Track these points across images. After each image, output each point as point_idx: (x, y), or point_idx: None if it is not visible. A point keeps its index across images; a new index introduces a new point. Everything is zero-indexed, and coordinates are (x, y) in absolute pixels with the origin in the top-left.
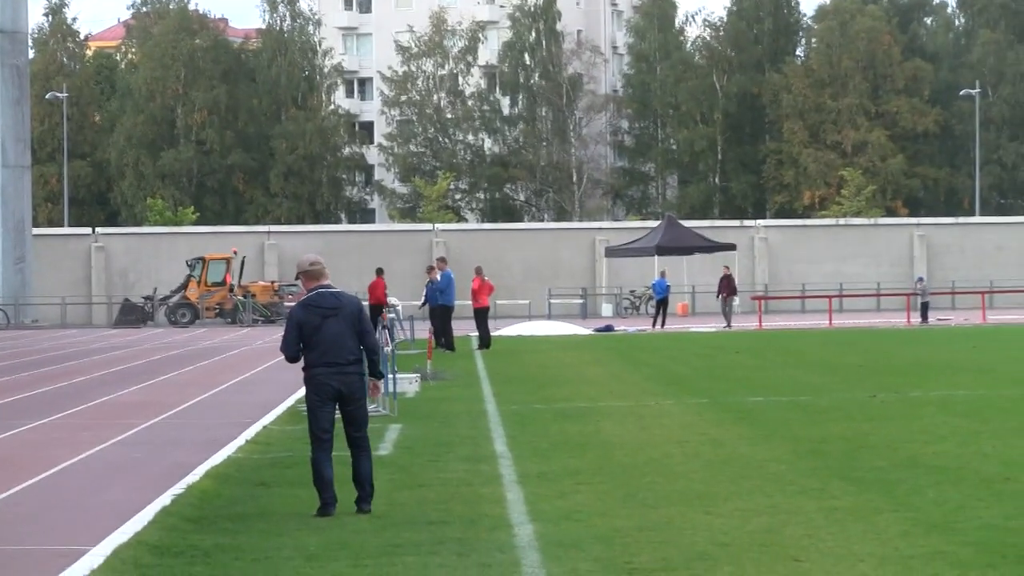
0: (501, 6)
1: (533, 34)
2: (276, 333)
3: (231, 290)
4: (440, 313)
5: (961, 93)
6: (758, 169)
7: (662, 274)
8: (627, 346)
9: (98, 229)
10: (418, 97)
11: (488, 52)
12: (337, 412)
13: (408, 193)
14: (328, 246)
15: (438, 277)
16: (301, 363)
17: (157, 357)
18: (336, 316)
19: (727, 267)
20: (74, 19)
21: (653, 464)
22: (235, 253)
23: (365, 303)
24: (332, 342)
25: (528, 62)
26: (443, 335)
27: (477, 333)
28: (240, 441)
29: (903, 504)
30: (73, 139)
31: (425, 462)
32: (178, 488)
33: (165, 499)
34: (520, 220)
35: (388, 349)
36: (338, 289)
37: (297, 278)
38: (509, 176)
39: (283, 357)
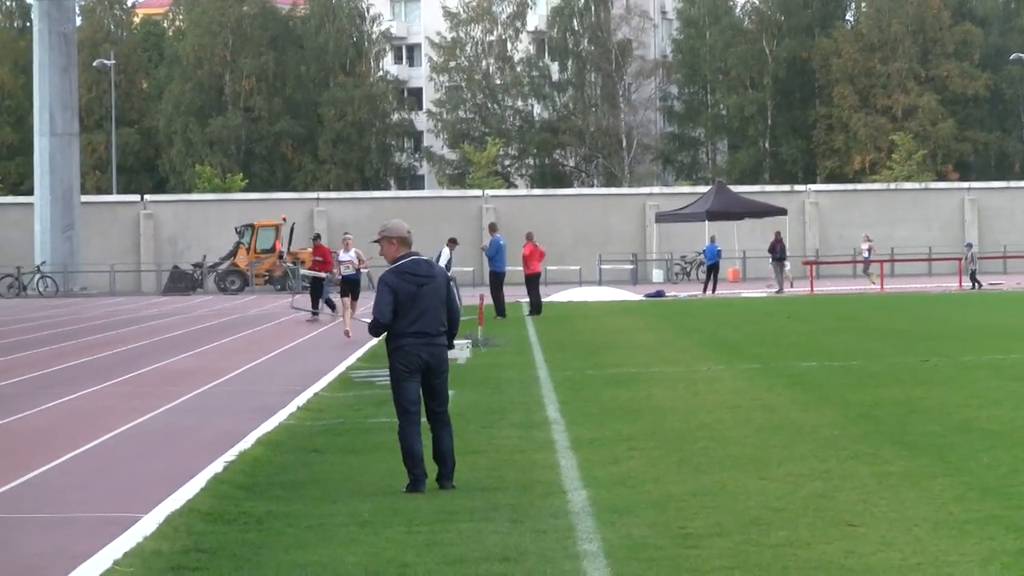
0: None
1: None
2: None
3: (280, 257)
4: (491, 280)
5: (1011, 57)
6: (808, 134)
7: (712, 239)
8: (678, 312)
9: (146, 196)
10: (466, 63)
11: (537, 18)
12: None
13: (457, 159)
14: (377, 213)
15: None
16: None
17: (206, 324)
18: (430, 284)
19: (778, 232)
20: None
21: (705, 429)
22: (284, 220)
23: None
24: (425, 311)
25: (577, 27)
26: (495, 301)
27: (528, 299)
28: (291, 408)
29: (957, 468)
30: (121, 106)
31: (477, 429)
32: (230, 455)
33: (217, 466)
34: (570, 186)
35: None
36: (428, 258)
37: (376, 241)
38: (558, 142)
39: (369, 325)
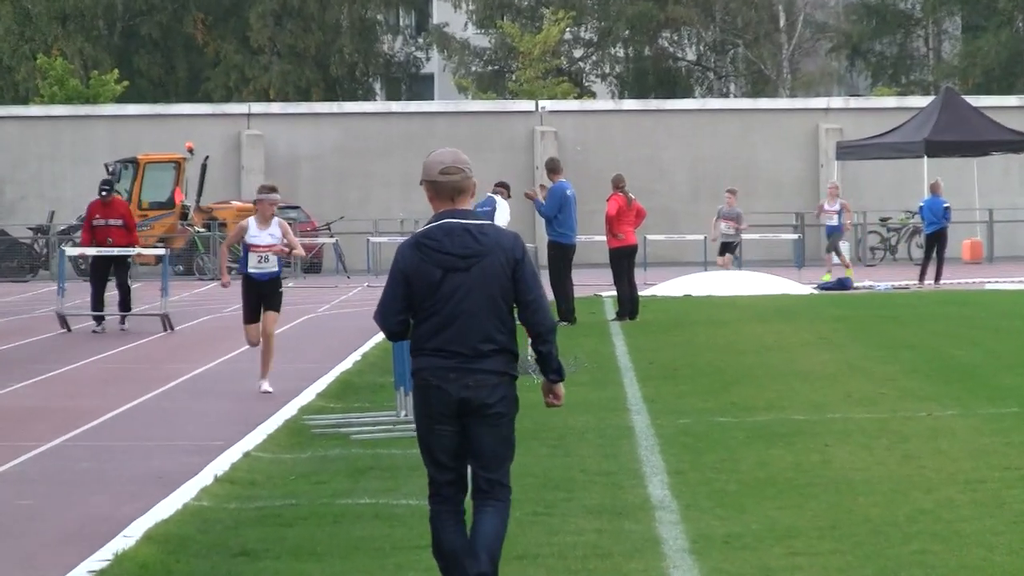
0: None
1: None
2: None
3: (184, 216)
4: (551, 257)
5: None
6: None
7: (935, 189)
8: (875, 315)
9: None
10: None
11: None
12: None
13: (492, 48)
14: (350, 138)
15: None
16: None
17: (56, 333)
18: (470, 269)
19: None
20: None
21: (924, 520)
22: (191, 151)
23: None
24: (457, 314)
25: None
26: (556, 294)
27: (615, 291)
28: (204, 478)
29: None
30: None
31: (530, 516)
32: (99, 560)
33: None
34: (687, 95)
35: None
36: (483, 221)
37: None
38: (667, 18)
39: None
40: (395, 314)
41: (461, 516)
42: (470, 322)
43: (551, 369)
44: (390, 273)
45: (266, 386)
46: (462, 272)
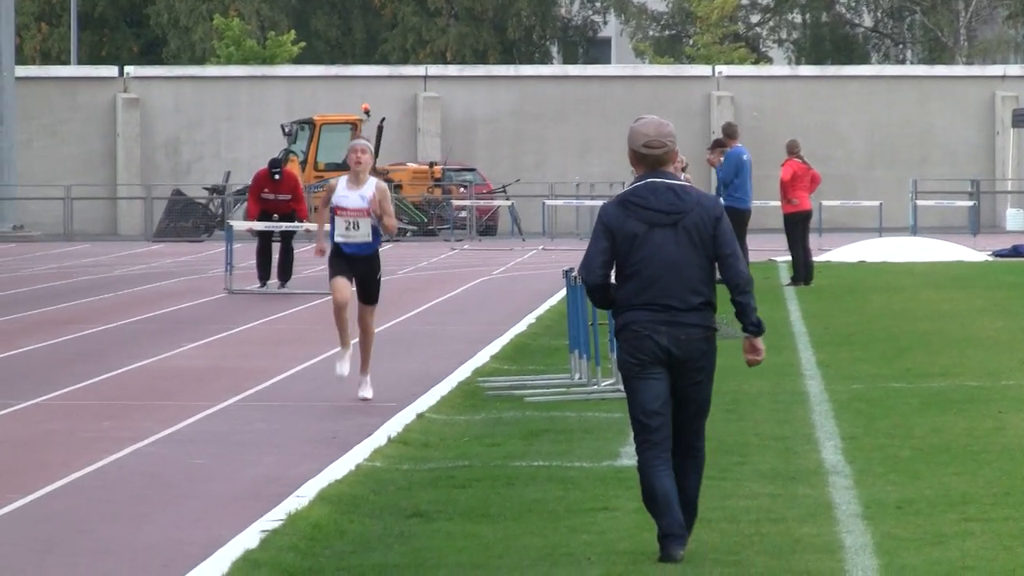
0: None
1: None
2: (439, 252)
3: None
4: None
5: None
6: None
7: None
8: None
9: (128, 69)
10: None
11: None
12: None
13: (670, 12)
14: (527, 102)
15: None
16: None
17: (230, 294)
18: (674, 226)
19: None
20: None
21: None
22: (367, 113)
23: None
24: (662, 269)
25: None
26: None
27: (789, 257)
28: (378, 439)
29: None
30: None
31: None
32: (272, 519)
33: (249, 538)
34: (863, 62)
35: None
36: (683, 181)
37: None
38: None
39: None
40: (598, 267)
41: (670, 463)
42: (678, 276)
43: (750, 322)
44: (594, 230)
45: (365, 390)
46: (668, 228)
